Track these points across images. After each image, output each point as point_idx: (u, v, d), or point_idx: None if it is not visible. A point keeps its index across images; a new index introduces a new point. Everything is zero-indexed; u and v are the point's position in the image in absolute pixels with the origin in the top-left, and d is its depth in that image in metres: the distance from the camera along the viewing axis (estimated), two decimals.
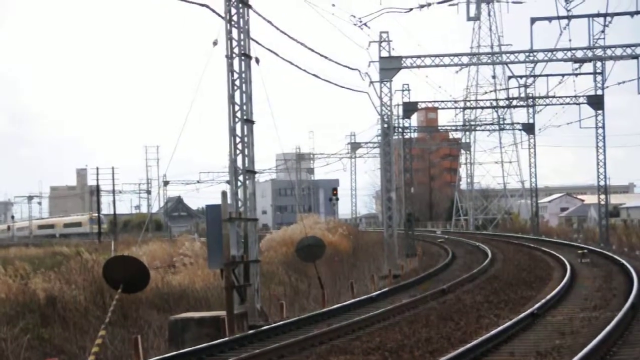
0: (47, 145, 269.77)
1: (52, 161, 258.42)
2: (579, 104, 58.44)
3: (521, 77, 57.89)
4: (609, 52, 42.21)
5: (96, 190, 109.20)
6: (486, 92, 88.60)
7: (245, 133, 23.28)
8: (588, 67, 54.32)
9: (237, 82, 23.22)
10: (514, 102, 65.19)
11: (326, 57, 32.76)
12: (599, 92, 56.18)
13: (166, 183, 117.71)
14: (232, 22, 23.14)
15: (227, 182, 25.34)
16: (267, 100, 24.42)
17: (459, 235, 77.74)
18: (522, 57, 42.70)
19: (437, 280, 32.90)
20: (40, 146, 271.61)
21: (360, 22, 39.10)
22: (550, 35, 46.54)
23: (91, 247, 59.56)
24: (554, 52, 41.69)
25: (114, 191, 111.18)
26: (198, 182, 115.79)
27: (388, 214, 42.91)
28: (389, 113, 43.62)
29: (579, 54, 42.28)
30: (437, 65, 42.30)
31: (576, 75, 54.44)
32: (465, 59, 45.00)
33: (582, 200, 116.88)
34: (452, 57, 42.43)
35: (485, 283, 30.48)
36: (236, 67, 23.21)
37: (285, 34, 26.90)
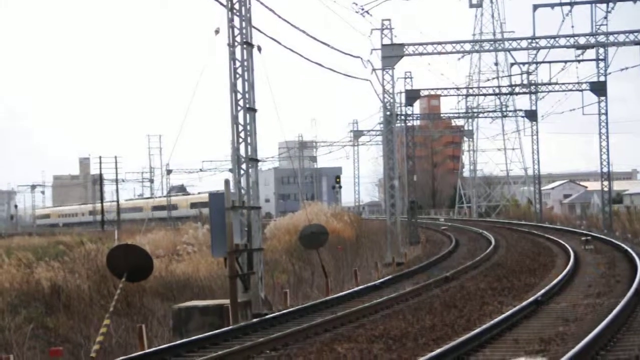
0: (50, 134, 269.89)
1: (55, 150, 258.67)
2: (581, 90, 58.30)
3: (523, 64, 57.75)
4: (611, 38, 42.07)
5: (99, 179, 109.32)
6: (488, 79, 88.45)
7: (248, 121, 23.26)
8: (591, 53, 54.20)
9: (239, 71, 23.18)
10: (517, 89, 65.05)
11: (328, 45, 32.74)
12: (602, 78, 56.03)
13: (169, 172, 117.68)
14: (234, 11, 23.09)
15: (230, 170, 25.31)
16: (270, 89, 24.43)
17: (462, 222, 77.75)
18: (524, 43, 42.55)
19: (441, 267, 32.92)
20: (43, 135, 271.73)
21: (362, 9, 38.99)
22: (552, 21, 46.46)
23: (94, 236, 59.67)
24: (557, 39, 41.56)
25: (117, 180, 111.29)
26: (201, 170, 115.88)
27: (391, 202, 42.88)
28: (391, 101, 43.52)
29: (582, 41, 42.15)
30: (439, 53, 42.17)
31: (579, 61, 54.34)
32: (467, 46, 44.83)
33: (585, 187, 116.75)
34: (454, 44, 42.30)
35: (489, 270, 30.50)
36: (238, 55, 23.16)
37: (287, 22, 26.86)
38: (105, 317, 19.39)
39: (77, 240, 48.31)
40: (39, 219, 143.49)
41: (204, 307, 20.76)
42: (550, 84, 59.49)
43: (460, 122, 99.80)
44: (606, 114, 55.95)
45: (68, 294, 25.93)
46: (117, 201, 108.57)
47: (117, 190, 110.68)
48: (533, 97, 69.22)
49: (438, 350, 14.03)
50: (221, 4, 23.02)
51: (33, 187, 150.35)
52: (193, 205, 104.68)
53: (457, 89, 67.95)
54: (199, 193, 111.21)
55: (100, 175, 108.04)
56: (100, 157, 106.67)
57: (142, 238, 40.66)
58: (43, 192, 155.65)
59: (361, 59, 40.36)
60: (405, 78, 60.33)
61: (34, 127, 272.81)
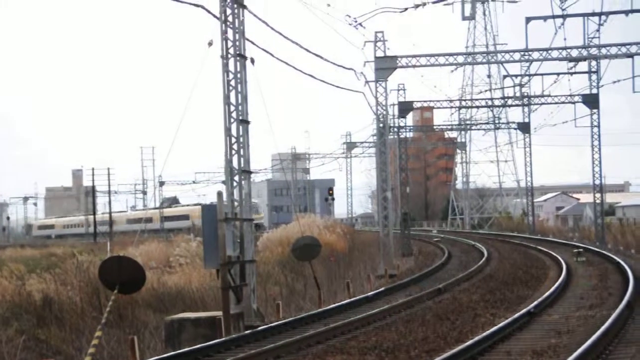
0: (43, 146, 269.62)
1: (48, 162, 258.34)
2: (574, 102, 58.50)
3: (516, 76, 57.95)
4: (604, 50, 42.26)
5: (92, 191, 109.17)
6: (481, 92, 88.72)
7: (241, 133, 23.28)
8: (583, 66, 54.37)
9: (233, 83, 23.22)
10: (509, 101, 65.21)
11: (321, 57, 32.81)
12: (594, 90, 56.23)
13: (162, 183, 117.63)
14: (227, 23, 23.13)
15: (223, 182, 25.29)
16: (263, 101, 24.46)
17: (455, 234, 77.78)
18: (517, 56, 42.72)
19: (433, 279, 32.91)
20: (36, 147, 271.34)
21: (356, 22, 39.11)
22: (545, 34, 46.72)
23: (87, 247, 59.57)
24: (549, 51, 41.72)
25: (109, 192, 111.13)
26: (194, 182, 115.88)
27: (384, 214, 42.92)
28: (384, 113, 43.63)
29: (574, 53, 42.31)
30: (432, 65, 42.29)
31: (571, 74, 54.47)
32: (460, 59, 45.08)
33: (578, 199, 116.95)
34: (447, 57, 42.44)
35: (482, 282, 30.51)
36: (231, 67, 23.20)
37: (280, 34, 26.94)
38: (97, 329, 19.34)
39: (69, 252, 48.20)
40: (41, 230, 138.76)
41: (196, 319, 20.72)
42: (542, 96, 59.66)
43: (453, 134, 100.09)
44: (598, 126, 56.15)
45: (60, 306, 25.85)
46: (110, 212, 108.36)
47: (109, 202, 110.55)
48: (526, 109, 69.45)
49: None
50: (214, 16, 23.08)
51: (25, 199, 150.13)
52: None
53: (450, 101, 68.12)
54: (211, 203, 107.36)
55: (93, 187, 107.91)
56: (93, 169, 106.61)
57: (134, 250, 40.62)
58: (35, 204, 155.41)
59: (354, 71, 40.56)
60: (399, 90, 60.56)
61: (27, 139, 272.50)
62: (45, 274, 30.71)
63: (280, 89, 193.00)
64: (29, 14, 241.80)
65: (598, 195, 57.34)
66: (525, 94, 62.86)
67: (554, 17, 40.33)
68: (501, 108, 73.59)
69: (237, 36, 23.26)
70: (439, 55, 42.18)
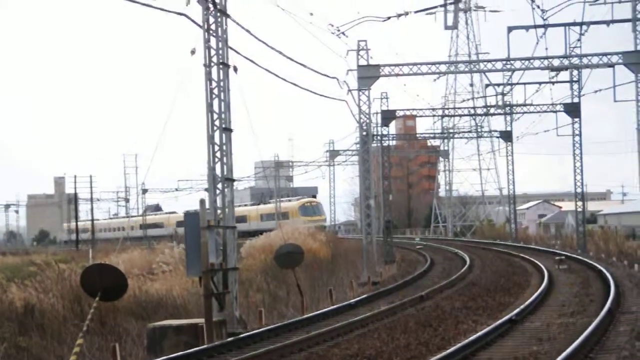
0: (25, 153, 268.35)
1: (30, 169, 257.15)
2: (555, 111, 58.86)
3: (498, 85, 58.20)
4: (585, 60, 42.54)
5: (74, 199, 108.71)
6: (464, 100, 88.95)
7: (224, 141, 23.31)
8: (565, 75, 54.75)
9: (216, 91, 23.24)
10: (492, 110, 65.50)
11: (305, 66, 32.85)
12: (576, 100, 56.58)
13: (145, 191, 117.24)
14: (211, 31, 23.16)
15: (206, 190, 25.30)
16: (246, 109, 24.50)
17: (438, 242, 77.91)
18: (499, 65, 42.94)
19: (416, 286, 32.97)
20: (18, 154, 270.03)
21: (339, 31, 39.18)
22: (527, 43, 46.87)
23: (68, 255, 59.32)
24: (531, 61, 41.96)
25: (92, 199, 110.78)
26: (177, 190, 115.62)
27: (367, 221, 42.98)
28: (367, 121, 43.74)
29: (556, 63, 42.57)
30: (415, 74, 42.45)
31: (553, 83, 54.84)
32: (443, 68, 45.16)
33: (560, 207, 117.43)
34: (429, 66, 42.61)
35: (464, 289, 30.59)
36: (214, 75, 23.23)
37: (263, 42, 26.97)
38: (78, 337, 19.28)
39: (49, 259, 47.97)
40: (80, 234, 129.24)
41: (178, 326, 20.69)
42: (524, 105, 59.96)
43: (435, 142, 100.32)
44: (580, 135, 56.48)
45: (41, 313, 25.75)
46: (92, 220, 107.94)
47: (92, 210, 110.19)
48: (508, 117, 69.77)
49: None
50: (197, 24, 23.09)
51: (7, 206, 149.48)
52: (266, 216, 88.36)
53: (433, 109, 68.32)
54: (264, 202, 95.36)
55: (75, 194, 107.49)
56: (75, 177, 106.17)
57: (117, 257, 40.50)
58: (17, 212, 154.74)
59: (337, 79, 40.63)
60: (381, 98, 60.67)
61: (9, 146, 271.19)
62: (27, 282, 30.55)
63: (264, 97, 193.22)
64: (14, 21, 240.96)
65: (580, 203, 57.63)
66: (508, 103, 63.13)
67: (535, 26, 40.57)
68: (483, 117, 73.93)
69: (220, 44, 23.29)
70: (421, 64, 42.34)
